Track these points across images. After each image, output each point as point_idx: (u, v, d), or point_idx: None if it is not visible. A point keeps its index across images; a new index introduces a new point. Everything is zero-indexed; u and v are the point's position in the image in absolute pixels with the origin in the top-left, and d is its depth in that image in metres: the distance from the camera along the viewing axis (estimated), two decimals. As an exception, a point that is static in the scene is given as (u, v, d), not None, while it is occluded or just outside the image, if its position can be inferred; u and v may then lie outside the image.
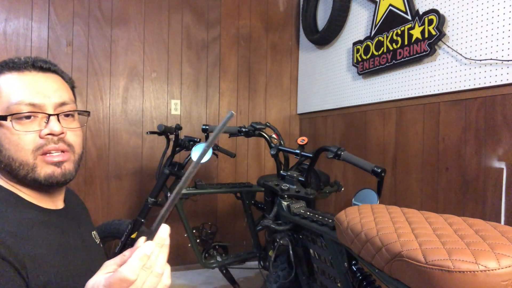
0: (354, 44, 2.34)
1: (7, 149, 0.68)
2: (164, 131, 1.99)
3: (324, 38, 2.64)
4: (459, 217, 0.76)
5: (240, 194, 2.24)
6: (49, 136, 0.70)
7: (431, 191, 1.83)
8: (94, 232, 0.88)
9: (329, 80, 2.69)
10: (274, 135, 1.88)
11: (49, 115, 0.70)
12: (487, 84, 1.55)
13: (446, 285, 0.56)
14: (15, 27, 2.41)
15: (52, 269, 0.66)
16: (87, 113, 0.82)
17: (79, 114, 0.80)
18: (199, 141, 2.04)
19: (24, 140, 0.68)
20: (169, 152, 2.10)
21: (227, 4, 2.94)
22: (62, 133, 0.71)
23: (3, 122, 0.68)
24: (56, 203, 0.78)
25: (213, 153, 2.02)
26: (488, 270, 0.54)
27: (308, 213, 1.32)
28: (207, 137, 1.96)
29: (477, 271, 0.54)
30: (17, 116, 0.68)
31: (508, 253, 0.56)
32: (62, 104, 0.73)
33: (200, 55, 2.87)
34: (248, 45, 3.01)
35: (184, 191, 2.10)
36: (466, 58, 1.64)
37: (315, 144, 2.85)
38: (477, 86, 1.59)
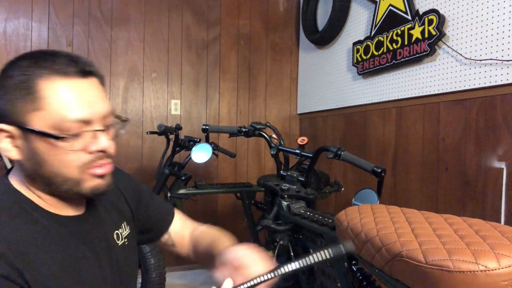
0: (354, 44, 2.34)
1: (50, 165, 0.64)
2: (164, 131, 1.99)
3: (324, 38, 2.64)
4: (459, 217, 0.76)
5: (240, 194, 2.23)
6: (98, 153, 0.67)
7: (431, 191, 1.83)
8: (118, 231, 0.82)
9: (329, 80, 2.70)
10: (274, 135, 1.88)
11: (99, 130, 0.66)
12: (487, 84, 1.55)
13: (446, 285, 0.56)
14: (15, 27, 2.41)
15: (65, 280, 0.64)
16: (127, 120, 0.77)
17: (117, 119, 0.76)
18: (199, 141, 2.04)
19: (72, 157, 0.64)
20: (169, 152, 2.10)
21: (227, 4, 2.94)
22: (111, 146, 0.69)
23: (49, 139, 0.62)
24: (76, 208, 0.73)
25: (213, 153, 2.02)
26: (488, 270, 0.54)
27: (308, 213, 1.32)
28: (207, 137, 1.97)
29: (477, 271, 0.54)
30: (68, 136, 0.63)
31: (508, 253, 0.56)
32: (107, 115, 0.68)
33: (200, 55, 2.87)
34: (248, 45, 3.01)
35: (184, 191, 2.10)
36: (466, 58, 1.64)
37: (315, 144, 2.85)
38: (477, 86, 1.59)
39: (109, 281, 0.75)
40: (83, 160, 0.65)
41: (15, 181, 0.68)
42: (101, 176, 0.68)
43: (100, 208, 0.80)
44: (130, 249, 0.85)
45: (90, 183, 0.67)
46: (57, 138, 0.62)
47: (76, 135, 0.63)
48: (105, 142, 0.66)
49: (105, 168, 0.69)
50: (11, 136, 0.64)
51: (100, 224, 0.78)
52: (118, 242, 0.81)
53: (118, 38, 2.65)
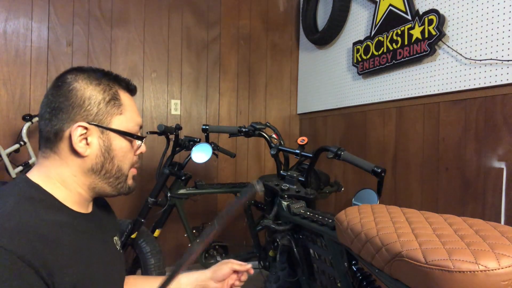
0: (354, 44, 2.34)
1: (119, 161, 0.79)
2: (164, 131, 1.99)
3: (324, 38, 2.64)
4: (459, 217, 0.76)
5: (240, 194, 2.23)
6: (138, 156, 0.85)
7: (431, 191, 1.83)
8: (115, 238, 0.89)
9: (329, 80, 2.70)
10: (274, 135, 1.88)
11: (145, 137, 0.84)
12: (487, 84, 1.55)
13: (446, 285, 0.56)
14: (15, 27, 2.41)
15: (77, 275, 0.66)
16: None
17: None
18: (199, 141, 2.04)
19: (130, 156, 0.82)
20: (169, 152, 2.10)
21: (227, 4, 2.94)
22: None
23: (125, 137, 0.80)
24: (87, 207, 0.81)
25: (213, 153, 2.02)
26: (488, 270, 0.54)
27: (308, 213, 1.32)
28: (207, 137, 1.97)
29: (477, 271, 0.54)
30: (141, 137, 0.83)
31: (508, 253, 0.56)
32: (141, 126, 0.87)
33: (200, 55, 2.87)
34: (248, 45, 3.01)
35: (184, 191, 2.10)
36: (466, 58, 1.64)
37: (315, 144, 2.85)
38: (477, 86, 1.59)
39: (113, 277, 0.80)
40: (133, 160, 0.83)
41: (37, 177, 0.74)
42: (133, 177, 0.85)
43: (103, 211, 0.89)
44: (122, 258, 0.90)
45: (129, 182, 0.83)
46: (133, 137, 0.81)
47: (141, 137, 0.83)
48: (144, 147, 0.86)
49: (136, 170, 0.86)
50: (88, 134, 0.75)
51: (103, 226, 0.85)
52: (117, 246, 0.87)
53: (118, 38, 2.65)
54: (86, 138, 0.74)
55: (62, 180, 0.74)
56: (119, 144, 0.78)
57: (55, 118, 0.73)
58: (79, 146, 0.73)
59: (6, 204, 0.65)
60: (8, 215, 0.62)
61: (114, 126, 0.77)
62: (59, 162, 0.75)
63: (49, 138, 0.74)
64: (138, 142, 0.84)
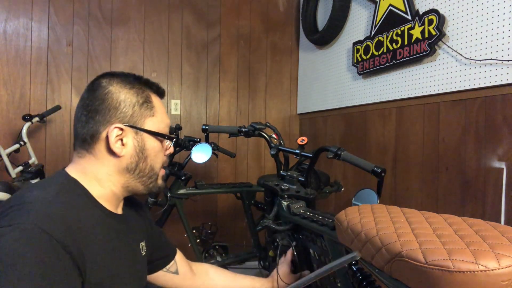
0: (354, 44, 2.34)
1: (151, 159, 0.82)
2: (164, 131, 1.99)
3: (324, 38, 2.64)
4: (459, 217, 0.76)
5: (240, 194, 2.23)
6: (167, 156, 0.87)
7: (431, 191, 1.83)
8: (142, 243, 0.90)
9: (329, 80, 2.70)
10: (274, 135, 1.88)
11: (173, 139, 0.86)
12: (487, 84, 1.55)
13: (446, 285, 0.56)
14: (15, 27, 2.41)
15: (106, 270, 0.69)
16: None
17: None
18: (199, 141, 2.04)
19: (161, 155, 0.85)
20: (169, 152, 2.10)
21: (227, 4, 2.94)
22: None
23: (158, 137, 0.83)
24: (118, 207, 0.84)
25: (213, 153, 2.02)
26: (488, 270, 0.54)
27: (308, 213, 1.32)
28: (207, 137, 1.96)
29: (477, 271, 0.54)
30: (168, 136, 0.85)
31: (508, 253, 0.56)
32: None
33: (200, 55, 2.87)
34: (248, 45, 3.01)
35: (184, 191, 2.10)
36: (466, 58, 1.64)
37: (315, 144, 2.85)
38: (477, 86, 1.59)
39: (138, 280, 0.84)
40: (163, 160, 0.86)
41: (74, 173, 0.77)
42: (163, 178, 0.88)
43: (132, 216, 0.90)
44: (146, 264, 0.92)
45: (159, 181, 0.86)
46: (165, 137, 0.84)
47: (170, 138, 0.85)
48: (172, 148, 0.88)
49: (164, 171, 0.88)
50: (124, 135, 0.78)
51: (132, 230, 0.87)
52: (142, 252, 0.89)
53: (118, 38, 2.65)
54: (121, 139, 0.78)
55: (98, 178, 0.77)
56: (152, 144, 0.82)
57: (92, 120, 0.77)
58: (116, 146, 0.77)
59: (48, 193, 0.68)
60: (49, 203, 0.65)
61: (147, 127, 0.81)
62: (94, 162, 0.78)
63: (85, 139, 0.77)
64: (167, 142, 0.86)
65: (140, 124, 0.80)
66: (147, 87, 0.84)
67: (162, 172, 0.87)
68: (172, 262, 1.05)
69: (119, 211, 0.84)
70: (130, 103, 0.79)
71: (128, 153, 0.79)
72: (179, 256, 1.08)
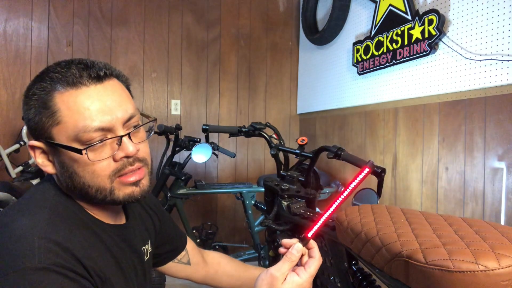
0: (354, 44, 2.34)
1: (81, 177, 0.64)
2: (164, 131, 1.99)
3: (324, 38, 2.64)
4: (459, 217, 0.76)
5: (240, 194, 2.23)
6: (124, 159, 0.65)
7: (431, 191, 1.83)
8: (145, 247, 0.83)
9: (329, 80, 2.70)
10: (274, 135, 1.88)
11: (121, 136, 0.65)
12: (487, 84, 1.55)
13: (446, 285, 0.56)
14: (15, 27, 2.41)
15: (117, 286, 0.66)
16: (154, 120, 0.76)
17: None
18: (199, 141, 2.04)
19: (99, 168, 0.64)
20: (169, 152, 2.10)
21: (227, 4, 2.94)
22: (137, 150, 0.67)
23: (72, 152, 0.63)
24: (114, 217, 0.74)
25: (213, 153, 2.02)
26: (488, 270, 0.54)
27: (308, 213, 1.32)
28: (207, 137, 1.96)
29: (477, 271, 0.54)
30: (89, 146, 0.62)
31: (508, 253, 0.56)
32: (130, 118, 0.67)
33: (200, 55, 2.87)
34: (248, 45, 3.01)
35: (184, 191, 2.10)
36: (466, 58, 1.64)
37: (315, 144, 2.85)
38: (477, 86, 1.60)
39: None
40: (112, 169, 0.65)
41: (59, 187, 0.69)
42: (134, 184, 0.67)
43: (134, 222, 0.81)
44: (150, 267, 0.87)
45: (125, 191, 0.67)
46: (77, 151, 0.62)
47: (96, 145, 0.62)
48: (129, 147, 0.65)
49: (137, 174, 0.67)
50: (44, 152, 0.66)
51: (136, 236, 0.80)
52: (145, 257, 0.83)
53: (118, 38, 2.65)
54: (48, 155, 0.66)
55: (76, 198, 0.69)
56: (69, 160, 0.64)
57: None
58: (41, 165, 0.67)
59: (39, 220, 0.61)
60: (45, 233, 0.59)
61: (56, 139, 0.63)
62: (56, 178, 0.70)
63: None
64: (114, 146, 0.64)
65: (46, 137, 0.63)
66: (53, 83, 0.62)
67: (123, 181, 0.66)
68: (184, 252, 1.00)
69: (119, 220, 0.76)
70: (32, 115, 0.63)
71: (58, 170, 0.66)
72: (190, 246, 1.02)
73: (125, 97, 0.68)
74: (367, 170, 0.66)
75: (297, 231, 1.37)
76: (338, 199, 0.67)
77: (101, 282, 0.62)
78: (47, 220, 0.60)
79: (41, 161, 0.66)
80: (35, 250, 0.55)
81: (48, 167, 0.67)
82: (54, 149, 0.64)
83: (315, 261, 0.68)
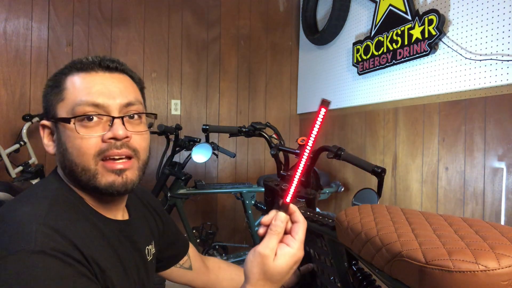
0: (354, 44, 2.34)
1: (70, 153, 0.65)
2: (164, 131, 1.99)
3: (324, 38, 2.64)
4: (459, 217, 0.76)
5: (240, 194, 2.24)
6: (112, 141, 0.65)
7: (431, 191, 1.83)
8: (148, 247, 0.82)
9: (329, 80, 2.70)
10: (274, 135, 1.88)
11: (113, 117, 0.66)
12: (487, 84, 1.55)
13: (446, 285, 0.56)
14: (15, 27, 2.41)
15: (116, 285, 0.66)
16: (154, 115, 0.76)
17: (146, 116, 0.75)
18: (199, 141, 2.04)
19: (86, 144, 0.64)
20: (169, 152, 2.10)
21: (227, 4, 2.94)
22: (127, 137, 0.66)
23: (67, 124, 0.65)
24: (115, 212, 0.74)
25: (213, 153, 2.02)
26: (488, 270, 0.54)
27: (308, 213, 1.32)
28: (207, 137, 1.97)
29: (477, 271, 0.54)
30: (80, 118, 0.64)
31: (508, 253, 0.56)
32: (128, 104, 0.68)
33: (200, 55, 2.87)
34: (248, 45, 3.01)
35: (184, 191, 2.10)
36: (466, 58, 1.64)
37: (315, 144, 2.85)
38: (477, 86, 1.60)
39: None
40: (98, 148, 0.65)
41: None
42: (117, 172, 0.66)
43: (137, 221, 0.81)
44: (153, 269, 0.86)
45: (107, 178, 0.65)
46: (66, 120, 0.64)
47: (90, 119, 0.64)
48: (119, 129, 0.65)
49: (123, 163, 0.66)
50: (51, 132, 0.70)
51: (138, 234, 0.79)
52: (148, 257, 0.82)
53: (118, 38, 2.65)
54: (52, 135, 0.70)
55: (73, 185, 0.70)
56: (66, 133, 0.65)
57: None
58: (45, 144, 0.71)
59: (40, 208, 0.62)
60: (45, 220, 0.59)
61: (59, 115, 0.67)
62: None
63: None
64: (105, 126, 0.65)
65: (53, 114, 0.68)
66: (72, 69, 0.69)
67: (109, 164, 0.65)
68: (186, 258, 0.99)
69: (119, 215, 0.75)
70: (45, 92, 0.70)
71: (56, 150, 0.69)
72: (192, 251, 1.02)
73: (130, 89, 0.71)
74: (324, 110, 0.61)
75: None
76: (304, 153, 0.63)
77: (100, 272, 0.62)
78: (47, 209, 0.61)
79: (46, 141, 0.70)
80: (32, 234, 0.56)
81: (50, 147, 0.70)
82: (56, 126, 0.68)
83: (300, 225, 0.63)
